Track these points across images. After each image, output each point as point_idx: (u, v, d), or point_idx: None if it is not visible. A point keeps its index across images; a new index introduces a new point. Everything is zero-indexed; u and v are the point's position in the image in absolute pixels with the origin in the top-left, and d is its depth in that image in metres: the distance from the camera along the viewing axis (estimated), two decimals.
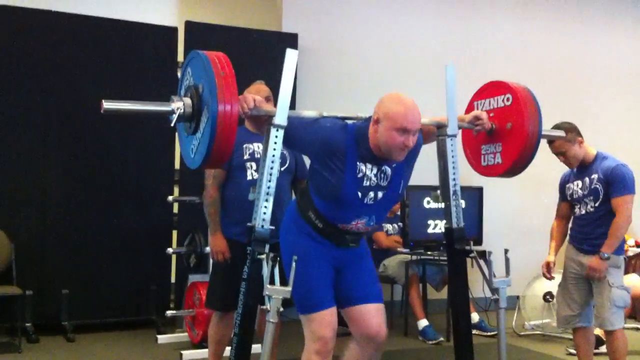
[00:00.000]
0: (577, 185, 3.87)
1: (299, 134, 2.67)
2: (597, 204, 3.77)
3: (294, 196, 3.91)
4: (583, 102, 6.94)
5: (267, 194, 2.59)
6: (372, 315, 2.79)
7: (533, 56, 6.93)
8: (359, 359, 2.85)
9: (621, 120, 7.34)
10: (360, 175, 2.65)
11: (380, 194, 2.71)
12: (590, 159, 3.83)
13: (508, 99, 3.06)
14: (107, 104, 2.47)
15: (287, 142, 2.67)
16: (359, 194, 2.66)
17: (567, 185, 3.94)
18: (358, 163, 2.64)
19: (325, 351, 2.67)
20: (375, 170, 2.68)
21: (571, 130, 3.76)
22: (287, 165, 3.68)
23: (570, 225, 4.03)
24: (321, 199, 2.70)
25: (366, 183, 2.67)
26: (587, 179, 3.81)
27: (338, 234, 2.75)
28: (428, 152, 3.04)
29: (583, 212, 3.85)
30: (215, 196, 3.69)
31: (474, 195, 5.71)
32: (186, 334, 5.00)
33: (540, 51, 7.01)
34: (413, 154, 2.77)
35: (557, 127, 3.75)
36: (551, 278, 4.07)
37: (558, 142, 3.76)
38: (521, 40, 6.96)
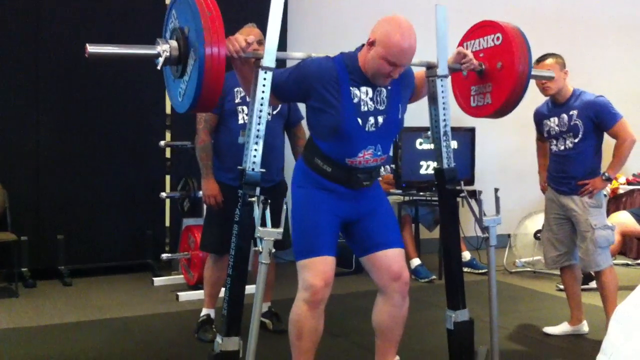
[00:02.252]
0: (554, 122, 3.85)
1: (288, 79, 2.64)
2: (577, 140, 3.76)
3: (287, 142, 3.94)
4: (579, 49, 6.87)
5: (257, 137, 2.57)
6: (393, 259, 2.78)
7: (529, 3, 6.84)
8: (387, 310, 2.82)
9: (616, 66, 7.30)
10: (356, 100, 2.64)
11: (380, 119, 2.69)
12: (568, 94, 3.82)
13: (498, 38, 3.02)
14: (91, 48, 2.42)
15: (279, 94, 2.65)
16: (359, 120, 2.64)
17: (544, 122, 3.91)
18: (351, 88, 2.63)
19: (315, 301, 2.64)
20: (370, 94, 2.67)
21: (561, 57, 3.80)
22: (278, 109, 3.66)
23: (548, 163, 4.02)
24: (324, 140, 2.69)
25: (364, 108, 2.65)
26: (564, 116, 3.79)
27: (348, 174, 2.71)
28: None
29: (562, 147, 3.83)
30: (206, 140, 3.69)
31: (466, 136, 5.72)
32: (182, 276, 5.08)
33: None
34: (407, 80, 2.78)
35: (546, 56, 3.78)
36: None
37: (549, 61, 3.75)
38: None
